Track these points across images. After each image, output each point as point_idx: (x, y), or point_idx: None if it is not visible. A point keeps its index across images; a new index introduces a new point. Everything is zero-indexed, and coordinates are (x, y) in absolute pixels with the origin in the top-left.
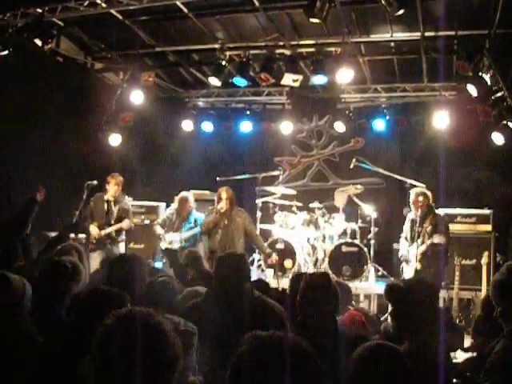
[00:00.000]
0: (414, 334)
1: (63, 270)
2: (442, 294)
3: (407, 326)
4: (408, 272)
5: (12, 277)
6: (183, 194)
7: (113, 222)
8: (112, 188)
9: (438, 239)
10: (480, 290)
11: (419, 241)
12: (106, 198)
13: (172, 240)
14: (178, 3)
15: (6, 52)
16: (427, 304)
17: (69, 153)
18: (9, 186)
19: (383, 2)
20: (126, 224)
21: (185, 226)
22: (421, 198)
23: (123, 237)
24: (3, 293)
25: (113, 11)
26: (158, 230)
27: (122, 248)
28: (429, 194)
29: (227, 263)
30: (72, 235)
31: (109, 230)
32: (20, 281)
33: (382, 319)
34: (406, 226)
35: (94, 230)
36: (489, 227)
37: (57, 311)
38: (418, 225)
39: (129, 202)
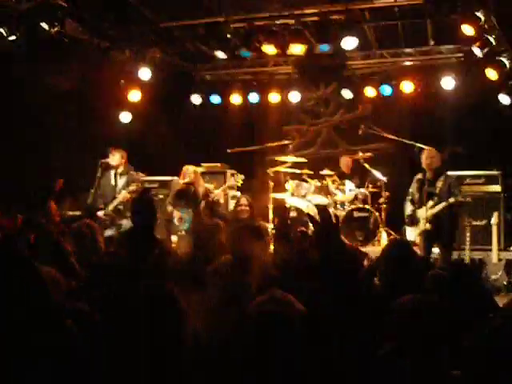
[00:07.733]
0: None
1: None
2: (455, 254)
3: None
4: (412, 233)
5: None
6: (184, 167)
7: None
8: (113, 159)
9: (453, 200)
10: (491, 250)
11: (430, 202)
12: (112, 172)
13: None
14: None
15: (13, 37)
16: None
17: (81, 131)
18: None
19: None
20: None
21: None
22: (432, 159)
23: None
24: None
25: None
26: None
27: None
28: (439, 154)
29: None
30: None
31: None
32: None
33: None
34: (413, 188)
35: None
36: (498, 188)
37: None
38: (428, 185)
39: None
